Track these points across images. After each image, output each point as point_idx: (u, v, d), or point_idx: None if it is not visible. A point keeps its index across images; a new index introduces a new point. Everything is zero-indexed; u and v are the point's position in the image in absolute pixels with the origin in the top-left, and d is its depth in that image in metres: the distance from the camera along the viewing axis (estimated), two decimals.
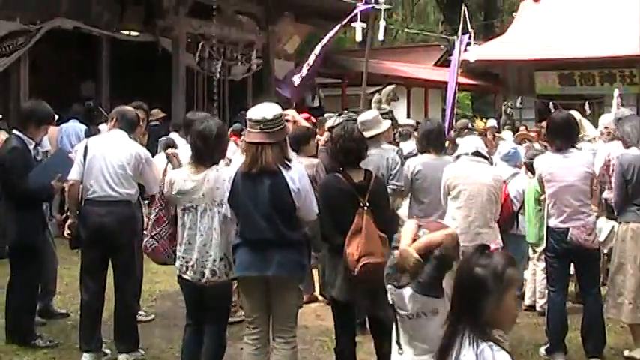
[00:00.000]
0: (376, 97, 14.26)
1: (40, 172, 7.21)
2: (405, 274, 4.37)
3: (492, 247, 3.19)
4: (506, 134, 14.73)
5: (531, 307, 8.95)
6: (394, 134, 11.22)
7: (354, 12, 12.04)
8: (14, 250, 7.45)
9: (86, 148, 6.95)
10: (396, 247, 4.47)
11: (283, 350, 5.67)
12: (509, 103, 24.55)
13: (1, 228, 9.24)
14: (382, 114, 12.76)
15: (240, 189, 5.50)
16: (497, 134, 15.26)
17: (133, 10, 17.38)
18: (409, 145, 11.48)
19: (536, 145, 11.27)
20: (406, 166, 7.83)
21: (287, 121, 6.52)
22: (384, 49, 30.12)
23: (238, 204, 5.53)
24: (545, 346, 7.32)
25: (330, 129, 10.07)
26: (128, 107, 7.59)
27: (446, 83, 17.23)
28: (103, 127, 12.88)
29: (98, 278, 6.96)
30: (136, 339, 7.05)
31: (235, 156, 8.40)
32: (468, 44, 17.27)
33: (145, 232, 6.58)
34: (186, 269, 5.87)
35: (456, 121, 15.29)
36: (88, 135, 12.32)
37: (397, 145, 11.23)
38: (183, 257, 5.88)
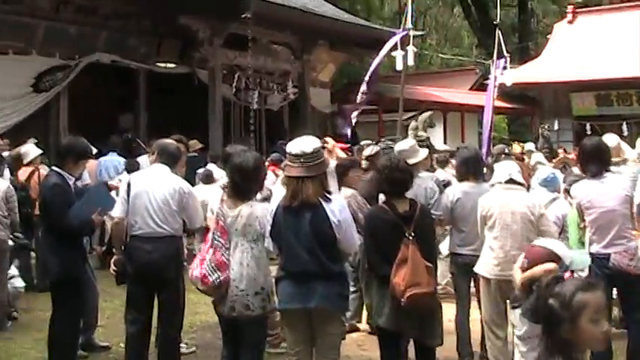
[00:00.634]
0: (413, 124, 14.27)
1: (81, 206, 7.23)
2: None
3: (567, 275, 3.36)
4: (537, 156, 14.55)
5: None
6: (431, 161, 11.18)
7: (394, 40, 12.01)
8: (56, 284, 7.45)
9: (129, 184, 6.99)
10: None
11: None
12: (546, 126, 24.34)
13: (42, 262, 9.38)
14: (419, 141, 12.81)
15: (282, 222, 5.52)
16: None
17: (169, 42, 17.59)
18: (445, 173, 11.45)
19: (575, 170, 11.15)
20: (445, 195, 7.81)
21: (323, 147, 6.53)
22: (419, 75, 30.15)
23: (280, 237, 5.56)
24: None
25: (368, 157, 10.07)
26: (169, 141, 7.64)
27: (482, 107, 17.15)
28: (141, 159, 13.01)
29: (144, 313, 6.98)
30: None
31: (275, 187, 8.41)
32: (504, 68, 17.17)
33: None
34: (219, 302, 5.89)
35: (493, 146, 15.21)
36: (127, 167, 12.44)
37: (434, 171, 11.20)
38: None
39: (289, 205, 5.50)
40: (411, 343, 6.21)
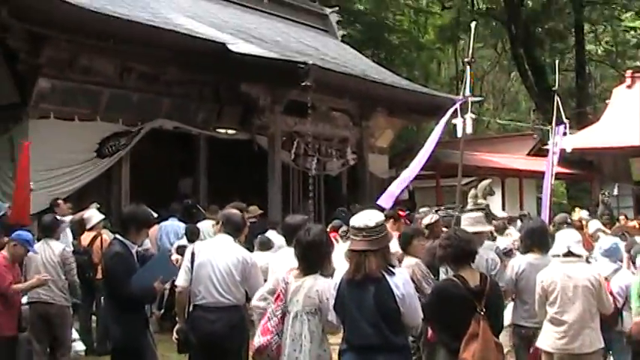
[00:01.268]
0: (472, 192, 14.15)
1: (143, 274, 7.31)
2: None
3: None
4: (594, 224, 14.35)
5: None
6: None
7: (453, 108, 12.00)
8: (118, 351, 7.52)
9: (193, 253, 7.09)
10: None
11: None
12: (606, 192, 24.06)
13: (103, 326, 9.48)
14: (479, 209, 12.73)
15: (345, 295, 5.54)
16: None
17: (230, 109, 17.83)
18: (504, 241, 11.37)
19: (638, 239, 10.98)
20: (510, 267, 7.78)
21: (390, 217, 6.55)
22: (477, 140, 30.07)
23: (344, 310, 5.57)
24: None
25: (428, 226, 10.06)
26: (234, 211, 7.76)
27: (540, 173, 17.03)
28: (201, 224, 13.12)
29: None
30: None
31: (337, 257, 8.44)
32: (564, 134, 17.06)
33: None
34: None
35: (552, 212, 15.04)
36: (188, 233, 12.56)
37: (494, 239, 11.13)
38: None
39: (352, 279, 5.52)
40: None
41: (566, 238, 7.21)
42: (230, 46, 15.62)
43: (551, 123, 17.10)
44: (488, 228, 8.46)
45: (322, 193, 17.75)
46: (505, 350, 9.11)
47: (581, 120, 32.06)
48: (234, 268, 6.94)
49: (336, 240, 10.44)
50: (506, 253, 10.22)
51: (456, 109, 12.06)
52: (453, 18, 39.29)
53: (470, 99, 12.30)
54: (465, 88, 12.27)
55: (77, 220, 12.40)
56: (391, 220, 10.55)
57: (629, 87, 28.57)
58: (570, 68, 39.25)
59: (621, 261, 9.00)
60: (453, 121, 11.90)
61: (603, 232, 13.11)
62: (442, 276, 7.67)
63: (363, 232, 5.49)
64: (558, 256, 7.04)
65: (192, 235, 12.29)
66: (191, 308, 7.04)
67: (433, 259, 8.01)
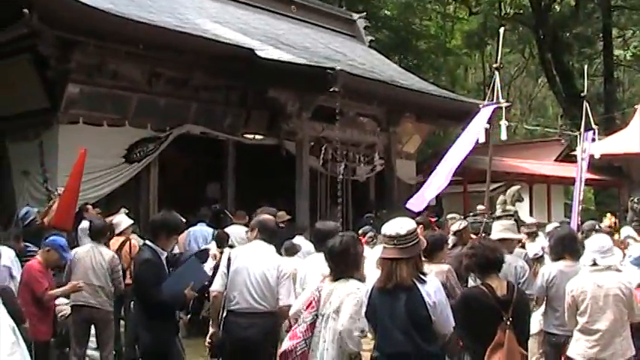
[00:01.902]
0: (501, 198, 14.13)
1: (173, 281, 7.32)
2: None
3: None
4: (625, 230, 14.21)
5: None
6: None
7: (487, 115, 11.89)
8: (147, 356, 7.55)
9: (229, 259, 7.13)
10: None
11: None
12: (635, 199, 23.83)
13: (132, 332, 9.50)
14: (507, 215, 12.67)
15: (377, 304, 5.53)
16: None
17: (257, 114, 17.87)
18: (533, 247, 11.29)
19: None
20: (540, 274, 7.74)
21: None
22: (504, 145, 29.92)
23: (376, 318, 5.56)
24: None
25: (456, 232, 10.02)
26: (268, 217, 7.82)
27: (568, 179, 16.93)
28: (229, 229, 13.14)
29: None
30: None
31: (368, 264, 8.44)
32: (593, 140, 16.93)
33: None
34: None
35: (581, 219, 14.93)
36: (216, 238, 12.59)
37: (523, 246, 11.06)
38: None
39: (384, 287, 5.51)
40: None
41: (593, 248, 7.11)
42: (258, 52, 15.66)
43: (579, 129, 16.96)
44: (518, 236, 8.42)
45: (350, 199, 17.72)
46: (533, 358, 9.11)
47: (609, 125, 31.83)
48: (270, 275, 7.01)
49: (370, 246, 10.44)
50: (537, 259, 10.15)
51: (483, 115, 12.00)
52: (480, 23, 39.16)
53: (504, 105, 12.25)
54: (497, 94, 12.19)
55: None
56: (421, 227, 10.50)
57: None
58: (598, 73, 38.98)
59: None
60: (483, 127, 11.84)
61: (634, 239, 13.00)
62: (471, 283, 7.64)
63: (395, 240, 5.47)
64: (586, 265, 6.98)
65: (221, 241, 12.31)
66: (224, 313, 7.06)
67: (460, 265, 7.98)
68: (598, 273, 6.88)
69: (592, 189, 34.44)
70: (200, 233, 13.84)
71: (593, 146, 16.77)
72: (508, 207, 13.91)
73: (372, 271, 6.75)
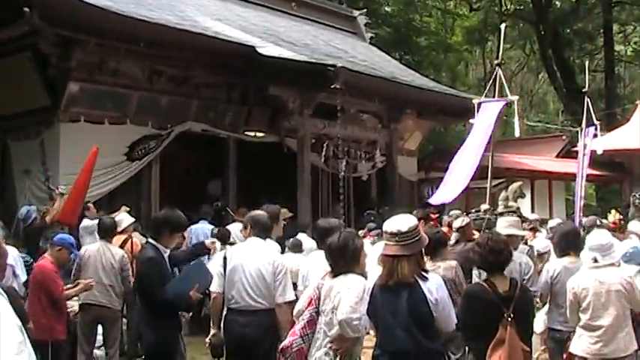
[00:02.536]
0: (503, 194, 14.14)
1: (179, 282, 7.32)
2: None
3: None
4: (633, 225, 14.17)
5: None
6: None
7: (497, 112, 11.85)
8: (150, 356, 7.55)
9: (225, 258, 7.11)
10: None
11: None
12: (637, 195, 23.80)
13: (134, 330, 9.49)
14: (509, 212, 12.66)
15: (378, 301, 5.52)
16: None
17: (258, 111, 17.85)
18: (545, 241, 11.28)
19: None
20: (545, 270, 7.74)
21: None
22: (505, 141, 29.89)
23: (377, 315, 5.55)
24: None
25: (459, 229, 10.01)
26: (260, 212, 7.74)
27: (570, 175, 16.89)
28: (231, 227, 13.14)
29: None
30: None
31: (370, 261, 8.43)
32: (595, 136, 16.90)
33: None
34: None
35: (584, 215, 14.91)
36: (217, 235, 12.57)
37: (525, 242, 11.07)
38: None
39: (385, 284, 5.49)
40: None
41: (592, 246, 7.07)
42: (259, 49, 15.64)
43: (580, 124, 16.95)
44: (523, 232, 8.42)
45: (351, 196, 17.70)
46: (536, 354, 9.12)
47: (610, 121, 31.80)
48: (265, 271, 6.98)
49: (372, 242, 10.43)
50: (543, 255, 10.17)
51: (491, 111, 11.96)
52: (480, 19, 39.12)
53: (514, 99, 12.24)
54: (500, 90, 12.16)
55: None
56: (421, 222, 10.50)
57: None
58: (599, 69, 38.95)
59: None
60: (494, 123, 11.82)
61: (636, 234, 12.98)
62: (475, 279, 7.64)
63: (396, 237, 5.45)
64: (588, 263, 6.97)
65: (223, 238, 12.31)
66: (225, 311, 7.07)
67: (465, 261, 7.98)
68: (599, 270, 6.87)
69: (593, 185, 34.40)
70: (202, 231, 13.84)
71: (594, 142, 16.75)
72: (510, 203, 13.93)
73: (373, 268, 6.73)
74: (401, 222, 5.53)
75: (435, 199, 11.64)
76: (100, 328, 9.83)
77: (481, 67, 44.66)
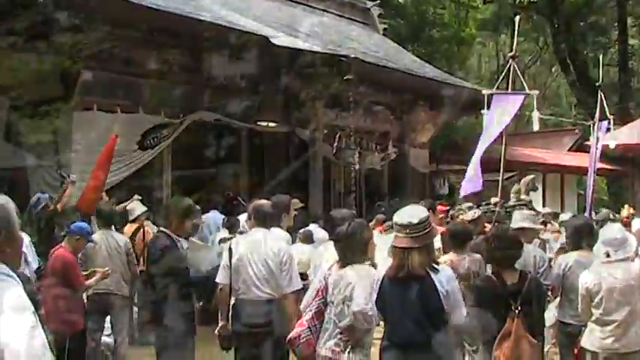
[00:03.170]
0: (515, 187, 14.08)
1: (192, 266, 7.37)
2: None
3: None
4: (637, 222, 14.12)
5: None
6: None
7: (517, 106, 11.76)
8: (162, 344, 7.52)
9: (230, 250, 7.11)
10: None
11: None
12: None
13: (145, 317, 9.48)
14: (521, 204, 12.61)
15: (388, 293, 5.52)
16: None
17: (270, 102, 17.81)
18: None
19: None
20: (557, 264, 7.73)
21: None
22: (518, 135, 29.84)
23: (386, 307, 5.55)
24: None
25: (471, 222, 9.99)
26: (263, 202, 7.75)
27: (582, 168, 16.82)
28: (242, 217, 13.13)
29: None
30: None
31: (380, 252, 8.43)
32: (608, 130, 16.81)
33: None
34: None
35: (594, 210, 14.83)
36: (227, 225, 12.59)
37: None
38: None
39: (395, 276, 5.48)
40: None
41: (606, 241, 7.06)
42: (272, 39, 15.60)
43: (593, 118, 16.85)
44: (538, 226, 8.42)
45: (363, 187, 17.68)
46: (546, 348, 9.10)
47: (623, 115, 31.68)
48: (271, 261, 6.99)
49: (381, 233, 10.41)
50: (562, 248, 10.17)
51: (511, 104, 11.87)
52: (494, 12, 38.94)
53: (535, 96, 12.20)
54: (514, 83, 12.09)
55: (120, 212, 12.47)
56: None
57: None
58: (613, 63, 38.72)
59: None
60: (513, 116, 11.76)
61: None
62: (488, 270, 7.65)
63: (407, 229, 5.45)
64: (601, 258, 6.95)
65: (232, 227, 12.32)
66: (233, 303, 7.07)
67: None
68: (612, 264, 6.85)
69: (605, 179, 34.30)
70: (213, 220, 13.88)
71: (607, 136, 16.67)
72: (522, 196, 13.87)
73: (383, 260, 6.73)
74: (412, 214, 5.52)
75: (464, 190, 11.60)
76: (108, 316, 9.86)
77: (494, 60, 44.49)
